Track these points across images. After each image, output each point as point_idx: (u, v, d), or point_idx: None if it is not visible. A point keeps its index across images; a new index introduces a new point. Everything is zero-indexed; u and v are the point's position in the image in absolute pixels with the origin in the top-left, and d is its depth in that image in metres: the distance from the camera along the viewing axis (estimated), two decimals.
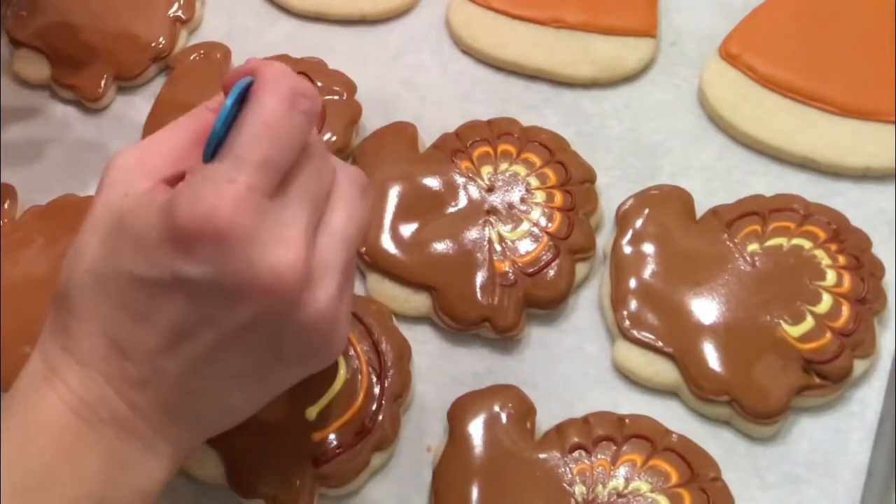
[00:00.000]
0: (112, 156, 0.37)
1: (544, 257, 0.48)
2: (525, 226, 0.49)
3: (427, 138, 0.54)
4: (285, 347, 0.36)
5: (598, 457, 0.43)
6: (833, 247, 0.48)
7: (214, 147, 0.34)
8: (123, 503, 0.36)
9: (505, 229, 0.49)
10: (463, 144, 0.52)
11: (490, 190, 0.51)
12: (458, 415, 0.45)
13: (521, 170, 0.51)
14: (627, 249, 0.49)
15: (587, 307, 0.49)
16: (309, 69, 0.55)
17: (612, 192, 0.52)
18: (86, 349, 0.35)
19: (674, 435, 0.44)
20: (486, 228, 0.49)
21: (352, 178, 0.38)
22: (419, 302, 0.49)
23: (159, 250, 0.33)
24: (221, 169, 0.33)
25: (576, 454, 0.43)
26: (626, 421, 0.44)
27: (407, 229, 0.50)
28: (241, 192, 0.33)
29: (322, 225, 0.36)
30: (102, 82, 0.56)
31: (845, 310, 0.46)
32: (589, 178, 0.51)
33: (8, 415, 0.35)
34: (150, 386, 0.35)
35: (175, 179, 0.35)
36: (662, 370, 0.46)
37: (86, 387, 0.35)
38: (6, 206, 0.52)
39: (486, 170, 0.51)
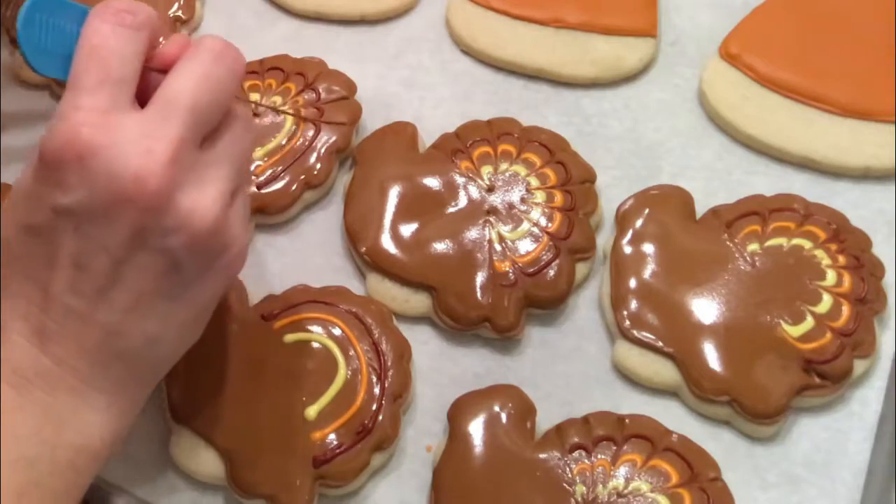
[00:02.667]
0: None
1: (544, 257, 0.48)
2: (525, 226, 0.49)
3: (427, 138, 0.54)
4: (179, 258, 0.37)
5: (599, 457, 0.43)
6: (833, 247, 0.48)
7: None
8: (63, 461, 0.36)
9: (505, 229, 0.49)
10: (463, 144, 0.52)
11: (490, 190, 0.51)
12: (458, 415, 0.45)
13: (521, 170, 0.51)
14: (627, 249, 0.49)
15: (587, 307, 0.49)
16: (309, 69, 0.56)
17: (612, 192, 0.52)
18: (3, 312, 0.37)
19: (674, 435, 0.44)
20: (486, 228, 0.49)
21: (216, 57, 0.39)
22: (419, 302, 0.49)
23: (38, 194, 0.36)
24: (67, 99, 0.35)
25: (576, 454, 0.43)
26: (626, 421, 0.44)
27: (407, 229, 0.50)
28: (87, 114, 0.35)
29: (211, 136, 0.38)
30: None
31: (845, 310, 0.46)
32: (589, 178, 0.51)
33: None
34: (67, 333, 0.36)
35: None
36: (662, 370, 0.46)
37: (8, 348, 0.36)
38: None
39: (486, 170, 0.51)
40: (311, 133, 0.53)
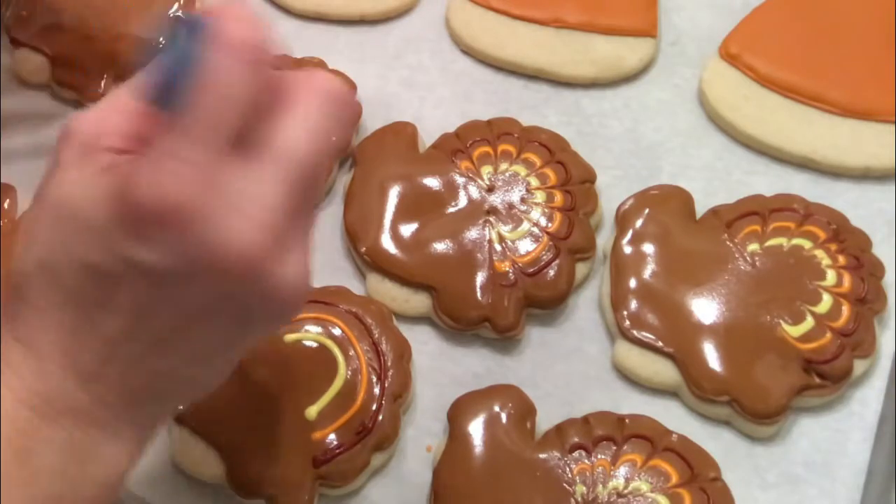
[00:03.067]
0: (67, 122, 0.33)
1: (544, 257, 0.48)
2: (525, 226, 0.49)
3: (427, 138, 0.54)
4: (254, 320, 0.34)
5: (599, 457, 0.43)
6: (833, 247, 0.48)
7: (164, 92, 0.31)
8: (86, 497, 0.34)
9: (505, 229, 0.49)
10: (463, 144, 0.52)
11: (490, 190, 0.51)
12: (458, 415, 0.45)
13: (521, 170, 0.51)
14: (627, 249, 0.49)
15: (587, 307, 0.49)
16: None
17: (612, 192, 0.52)
18: (41, 340, 0.33)
19: (674, 435, 0.44)
20: (486, 228, 0.49)
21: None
22: (419, 302, 0.49)
23: (111, 237, 0.31)
24: (167, 141, 0.31)
25: (576, 454, 0.43)
26: (626, 421, 0.44)
27: (407, 229, 0.50)
28: (192, 170, 0.30)
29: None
30: (102, 82, 0.56)
31: (845, 310, 0.46)
32: (589, 178, 0.51)
33: None
34: (111, 373, 0.33)
35: (134, 143, 0.33)
36: (662, 370, 0.46)
37: (42, 379, 0.33)
38: (6, 206, 0.52)
39: (486, 170, 0.51)
40: None
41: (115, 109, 0.33)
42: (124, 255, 0.31)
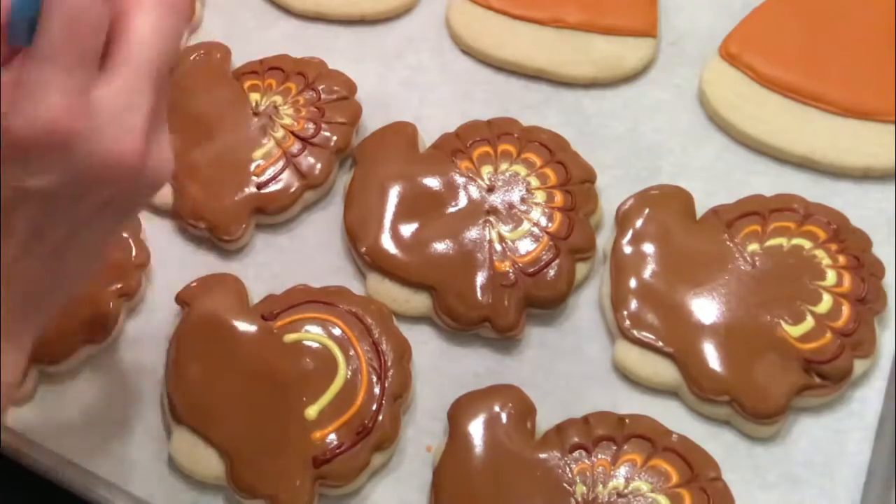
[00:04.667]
0: None
1: (544, 257, 0.48)
2: (525, 226, 0.49)
3: (427, 138, 0.54)
4: (134, 209, 0.38)
5: (599, 457, 0.43)
6: (833, 247, 0.48)
7: (21, 31, 0.33)
8: None
9: (505, 229, 0.49)
10: (463, 144, 0.52)
11: (490, 190, 0.51)
12: (458, 415, 0.45)
13: (521, 170, 0.51)
14: (627, 249, 0.49)
15: (587, 307, 0.49)
16: (309, 69, 0.56)
17: (612, 192, 0.52)
18: None
19: (674, 435, 0.44)
20: (486, 228, 0.49)
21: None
22: (419, 302, 0.49)
23: (4, 170, 0.33)
24: (36, 74, 0.32)
25: (576, 454, 0.43)
26: (626, 421, 0.44)
27: (407, 229, 0.50)
28: (65, 98, 0.32)
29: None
30: None
31: (845, 310, 0.46)
32: (589, 178, 0.51)
33: None
34: (13, 293, 0.36)
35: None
36: (662, 370, 0.46)
37: None
38: None
39: (486, 170, 0.51)
40: (311, 133, 0.53)
41: None
42: (14, 185, 0.34)
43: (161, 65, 0.35)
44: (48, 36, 0.33)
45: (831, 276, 0.47)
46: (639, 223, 0.50)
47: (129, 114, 0.34)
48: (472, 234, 0.49)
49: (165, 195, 0.52)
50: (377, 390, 0.45)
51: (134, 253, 0.50)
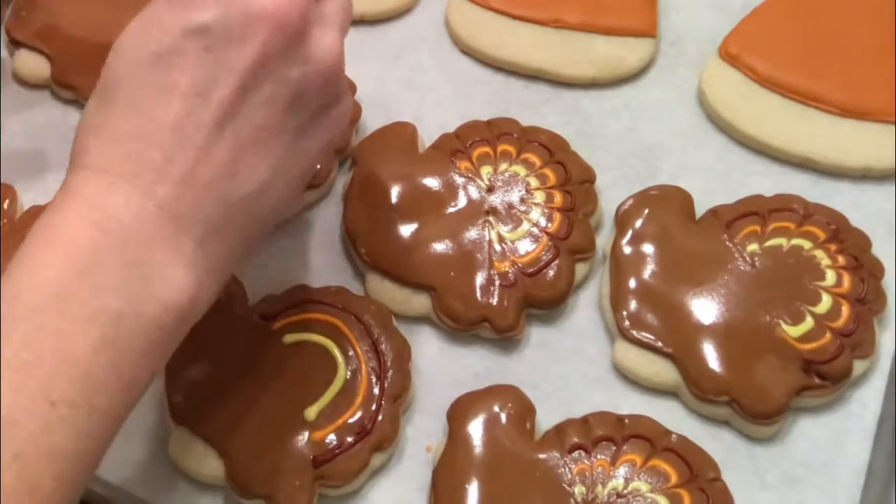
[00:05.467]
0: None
1: (544, 257, 0.48)
2: (525, 226, 0.49)
3: (427, 138, 0.54)
4: (303, 93, 0.36)
5: (598, 457, 0.43)
6: (833, 247, 0.48)
7: None
8: (149, 318, 0.34)
9: (505, 229, 0.49)
10: (462, 144, 0.52)
11: (490, 190, 0.51)
12: (458, 415, 0.45)
13: (520, 170, 0.51)
14: (627, 249, 0.49)
15: (587, 307, 0.49)
16: None
17: (612, 192, 0.52)
18: (107, 156, 0.35)
19: (673, 435, 0.44)
20: (486, 229, 0.49)
21: None
22: (419, 302, 0.49)
23: (163, 16, 0.35)
24: None
25: (575, 454, 0.44)
26: (626, 421, 0.44)
27: (407, 229, 0.50)
28: None
29: None
30: None
31: (845, 310, 0.46)
32: (589, 178, 0.51)
33: (29, 243, 0.34)
34: (176, 170, 0.34)
35: None
36: (662, 370, 0.46)
37: (107, 193, 0.34)
38: (6, 206, 0.52)
39: (486, 170, 0.51)
40: None
41: None
42: (180, 25, 0.34)
43: None
44: None
45: (831, 277, 0.47)
46: (638, 223, 0.50)
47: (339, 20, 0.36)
48: (472, 234, 0.49)
49: None
50: (377, 391, 0.45)
51: None
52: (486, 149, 0.52)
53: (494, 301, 0.47)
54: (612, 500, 0.42)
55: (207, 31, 0.34)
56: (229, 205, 0.36)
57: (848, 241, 0.48)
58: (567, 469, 0.43)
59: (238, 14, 0.34)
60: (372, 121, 0.55)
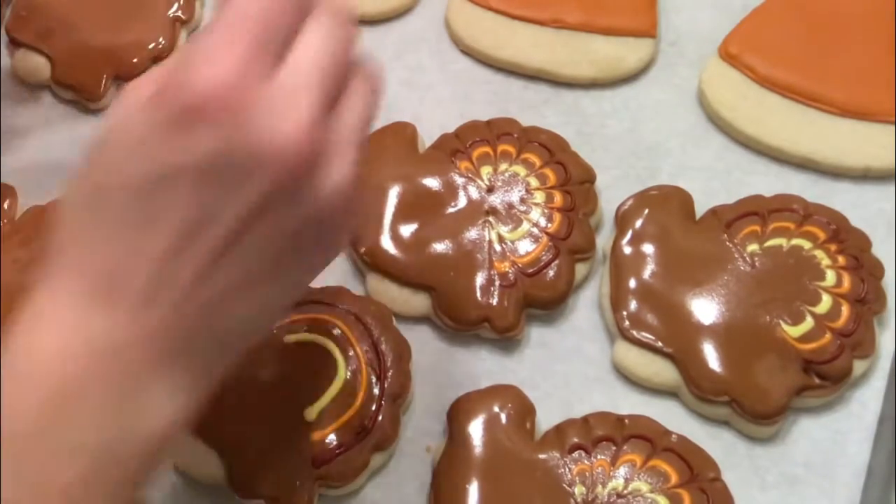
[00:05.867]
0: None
1: (544, 258, 0.48)
2: (525, 226, 0.49)
3: (427, 138, 0.54)
4: (303, 234, 0.33)
5: (598, 457, 0.43)
6: (833, 247, 0.48)
7: None
8: (130, 450, 0.32)
9: (504, 230, 0.49)
10: (462, 145, 0.52)
11: (490, 190, 0.51)
12: (458, 415, 0.45)
13: (520, 170, 0.51)
14: (627, 249, 0.49)
15: (587, 307, 0.49)
16: None
17: (612, 192, 0.52)
18: (83, 278, 0.32)
19: (673, 435, 0.44)
20: (486, 229, 0.49)
21: (364, 65, 0.36)
22: (419, 302, 0.49)
23: (154, 142, 0.31)
24: (215, 40, 0.31)
25: (575, 454, 0.44)
26: (626, 421, 0.44)
27: (407, 229, 0.50)
28: (241, 61, 0.31)
29: (339, 101, 0.34)
30: (102, 82, 0.56)
31: (845, 310, 0.46)
32: (589, 178, 0.51)
33: (9, 365, 0.31)
34: (162, 299, 0.32)
35: None
36: (662, 370, 0.46)
37: (87, 319, 0.32)
38: (6, 206, 0.52)
39: (486, 170, 0.51)
40: None
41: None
42: (168, 157, 0.31)
43: (331, 69, 0.33)
44: (224, 15, 0.32)
45: (831, 277, 0.47)
46: (638, 223, 0.50)
47: (293, 108, 0.31)
48: (472, 234, 0.49)
49: None
50: (377, 391, 0.45)
51: None
52: (486, 149, 0.52)
53: (494, 301, 0.47)
54: (612, 500, 0.42)
55: (208, 168, 0.31)
56: (217, 334, 0.34)
57: (848, 241, 0.48)
58: (567, 469, 0.43)
59: (241, 150, 0.31)
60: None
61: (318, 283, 0.49)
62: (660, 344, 0.46)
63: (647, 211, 0.50)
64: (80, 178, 0.34)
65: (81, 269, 0.32)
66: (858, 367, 0.46)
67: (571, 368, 0.48)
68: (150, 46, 0.57)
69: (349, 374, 0.45)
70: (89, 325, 0.32)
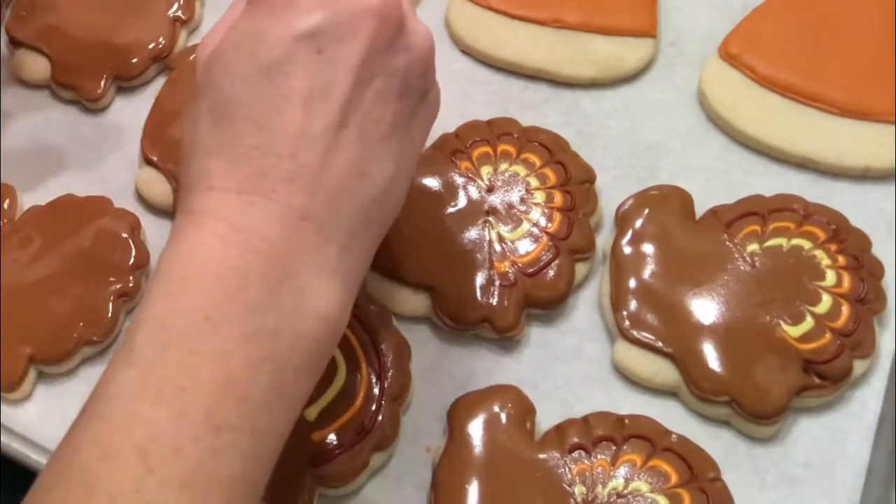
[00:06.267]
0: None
1: (544, 257, 0.48)
2: (525, 226, 0.49)
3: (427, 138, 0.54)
4: (408, 81, 0.37)
5: (598, 457, 0.43)
6: (833, 247, 0.48)
7: None
8: (305, 332, 0.33)
9: (505, 229, 0.49)
10: (462, 145, 0.52)
11: (490, 190, 0.51)
12: (458, 415, 0.45)
13: (520, 170, 0.51)
14: (627, 249, 0.49)
15: (587, 307, 0.49)
16: None
17: (612, 192, 0.52)
18: (238, 175, 0.34)
19: (673, 435, 0.44)
20: (486, 229, 0.49)
21: None
22: (419, 302, 0.49)
23: (268, 28, 0.35)
24: None
25: (575, 454, 0.44)
26: (626, 421, 0.44)
27: (407, 229, 0.50)
28: None
29: None
30: (102, 82, 0.56)
31: (845, 310, 0.46)
32: (589, 178, 0.51)
33: (166, 270, 0.33)
34: (309, 177, 0.34)
35: None
36: (662, 370, 0.46)
37: (246, 213, 0.34)
38: (6, 206, 0.52)
39: (486, 170, 0.51)
40: None
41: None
42: (289, 33, 0.35)
43: None
44: None
45: (831, 277, 0.47)
46: (638, 223, 0.50)
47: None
48: (472, 234, 0.49)
49: (166, 195, 0.52)
50: (377, 391, 0.45)
51: (133, 253, 0.50)
52: (486, 149, 0.52)
53: (494, 301, 0.47)
54: (612, 500, 0.42)
55: (317, 33, 0.35)
56: (364, 204, 0.36)
57: (848, 241, 0.48)
58: (567, 469, 0.43)
59: (345, 12, 0.35)
60: None
61: None
62: (660, 344, 0.46)
63: (647, 211, 0.50)
64: (198, 96, 0.36)
65: (233, 167, 0.34)
66: (858, 367, 0.46)
67: (571, 368, 0.48)
68: (150, 46, 0.57)
69: (349, 373, 0.45)
70: (248, 220, 0.33)
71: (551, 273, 0.48)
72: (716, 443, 0.45)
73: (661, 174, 0.53)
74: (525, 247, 0.49)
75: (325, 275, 0.34)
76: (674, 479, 0.43)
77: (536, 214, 0.50)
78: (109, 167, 0.55)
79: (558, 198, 0.50)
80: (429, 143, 0.53)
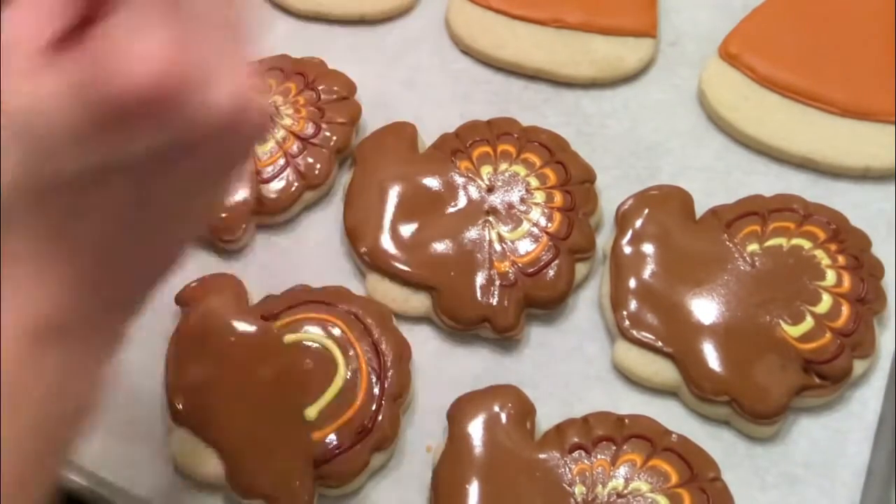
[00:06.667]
0: None
1: (544, 257, 0.48)
2: (525, 226, 0.49)
3: (427, 138, 0.54)
4: (201, 152, 0.31)
5: (598, 457, 0.43)
6: (833, 247, 0.48)
7: None
8: (73, 410, 0.33)
9: (505, 229, 0.49)
10: (463, 144, 0.52)
11: (490, 190, 0.51)
12: (458, 415, 0.45)
13: (520, 170, 0.51)
14: (627, 249, 0.49)
15: (587, 307, 0.49)
16: (309, 69, 0.56)
17: (612, 192, 0.52)
18: (34, 261, 0.30)
19: (673, 435, 0.44)
20: (486, 229, 0.49)
21: None
22: (419, 302, 0.49)
23: (88, 142, 0.28)
24: (126, 23, 0.27)
25: (575, 454, 0.43)
26: (626, 421, 0.44)
27: (407, 229, 0.50)
28: (162, 44, 0.27)
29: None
30: None
31: (845, 310, 0.46)
32: (589, 178, 0.51)
33: None
34: (103, 277, 0.31)
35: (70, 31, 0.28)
36: (662, 370, 0.46)
37: (41, 300, 0.30)
38: None
39: (486, 170, 0.51)
40: (310, 133, 0.53)
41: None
42: (108, 156, 0.29)
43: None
44: None
45: (831, 276, 0.47)
46: (638, 223, 0.50)
47: (232, 55, 0.29)
48: (472, 234, 0.49)
49: None
50: (377, 390, 0.45)
51: None
52: (487, 149, 0.52)
53: (494, 301, 0.47)
54: (612, 500, 0.42)
55: (145, 156, 0.29)
56: (147, 280, 0.35)
57: (848, 241, 0.48)
58: (567, 469, 0.43)
59: (183, 133, 0.29)
60: (372, 121, 0.55)
61: (318, 283, 0.49)
62: (660, 344, 0.46)
63: (647, 211, 0.50)
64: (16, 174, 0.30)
65: (31, 257, 0.31)
66: (858, 366, 0.46)
67: (571, 368, 0.48)
68: None
69: (349, 374, 0.45)
70: (47, 307, 0.31)
71: (551, 273, 0.48)
72: (716, 443, 0.45)
73: (661, 174, 0.53)
74: (525, 247, 0.49)
75: (104, 350, 0.33)
76: (674, 478, 0.43)
77: (536, 214, 0.50)
78: None
79: (558, 198, 0.50)
80: (429, 142, 0.54)
